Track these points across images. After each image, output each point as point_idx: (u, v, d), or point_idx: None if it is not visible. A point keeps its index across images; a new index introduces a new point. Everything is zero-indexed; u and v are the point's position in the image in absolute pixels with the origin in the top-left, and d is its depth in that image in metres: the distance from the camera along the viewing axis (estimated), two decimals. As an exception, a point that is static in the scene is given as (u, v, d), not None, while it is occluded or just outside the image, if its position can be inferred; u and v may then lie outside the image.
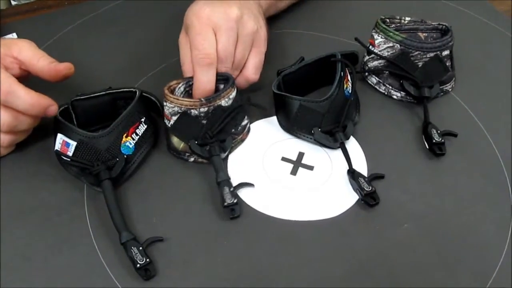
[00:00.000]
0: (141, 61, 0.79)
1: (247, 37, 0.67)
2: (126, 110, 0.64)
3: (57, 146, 0.63)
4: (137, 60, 0.80)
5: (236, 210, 0.61)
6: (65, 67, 0.65)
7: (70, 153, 0.62)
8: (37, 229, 0.60)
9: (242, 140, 0.69)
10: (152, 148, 0.67)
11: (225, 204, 0.61)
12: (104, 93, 0.66)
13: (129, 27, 0.85)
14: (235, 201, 0.61)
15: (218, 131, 0.65)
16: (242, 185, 0.64)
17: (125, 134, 0.63)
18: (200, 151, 0.64)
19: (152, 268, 0.56)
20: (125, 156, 0.63)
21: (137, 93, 0.66)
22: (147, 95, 0.68)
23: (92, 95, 0.66)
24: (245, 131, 0.69)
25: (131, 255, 0.56)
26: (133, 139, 0.64)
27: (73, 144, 0.61)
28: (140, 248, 0.57)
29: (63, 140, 0.62)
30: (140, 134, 0.65)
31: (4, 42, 0.64)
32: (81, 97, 0.66)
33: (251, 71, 0.69)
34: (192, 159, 0.66)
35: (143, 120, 0.65)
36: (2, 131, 0.62)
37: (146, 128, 0.66)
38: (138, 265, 0.55)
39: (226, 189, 0.62)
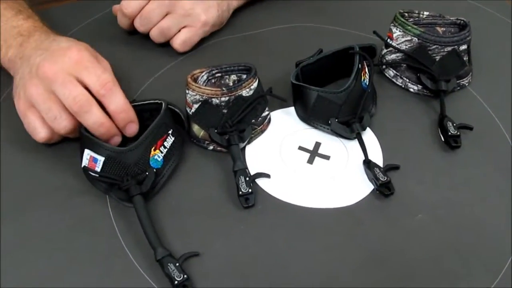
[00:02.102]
0: (149, 59, 0.80)
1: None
2: (153, 122, 0.63)
3: (85, 162, 0.62)
4: (145, 57, 0.80)
5: (250, 200, 0.62)
6: None
7: (98, 169, 0.61)
8: (59, 209, 0.62)
9: (262, 131, 0.70)
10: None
11: (240, 193, 0.62)
12: None
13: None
14: (250, 190, 0.62)
15: (238, 120, 0.66)
16: (258, 175, 0.65)
17: (153, 147, 0.62)
18: (219, 139, 0.65)
19: (190, 284, 0.56)
20: (154, 170, 0.62)
21: (163, 105, 0.65)
22: (171, 107, 0.67)
23: None
24: (266, 122, 0.70)
25: (168, 272, 0.55)
26: (162, 152, 0.63)
27: (101, 159, 0.61)
28: (177, 264, 0.56)
29: (91, 156, 0.61)
30: (168, 147, 0.64)
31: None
32: None
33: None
34: (211, 147, 0.67)
35: (170, 132, 0.65)
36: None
37: (174, 140, 0.65)
38: (176, 282, 0.55)
39: (242, 179, 0.63)
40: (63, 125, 0.62)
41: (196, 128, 0.67)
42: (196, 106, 0.65)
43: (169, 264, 0.56)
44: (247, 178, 0.63)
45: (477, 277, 0.58)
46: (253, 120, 0.68)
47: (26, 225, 0.61)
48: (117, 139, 0.65)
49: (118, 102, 0.63)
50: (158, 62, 0.79)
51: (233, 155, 0.65)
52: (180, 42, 0.78)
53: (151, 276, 0.57)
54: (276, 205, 0.63)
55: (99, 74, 0.63)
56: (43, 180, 0.65)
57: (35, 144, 0.66)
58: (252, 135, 0.68)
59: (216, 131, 0.66)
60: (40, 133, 0.64)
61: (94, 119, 0.62)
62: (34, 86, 0.62)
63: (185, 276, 0.55)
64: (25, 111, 0.64)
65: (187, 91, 0.65)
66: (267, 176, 0.65)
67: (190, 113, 0.66)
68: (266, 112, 0.69)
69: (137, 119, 0.65)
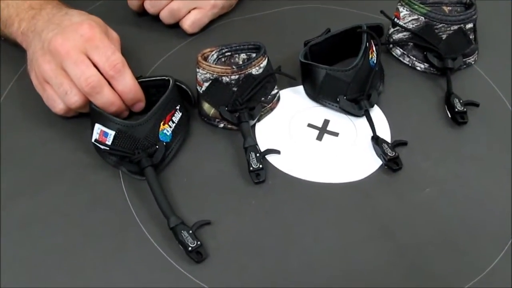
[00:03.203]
0: (157, 42, 0.81)
1: None
2: (162, 97, 0.64)
3: (95, 136, 0.63)
4: (155, 39, 0.81)
5: (261, 175, 0.63)
6: None
7: (108, 142, 0.62)
8: (74, 187, 0.63)
9: (272, 109, 0.70)
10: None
11: (251, 169, 0.63)
12: None
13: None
14: (260, 166, 0.63)
15: (248, 98, 0.67)
16: (268, 151, 0.66)
17: (162, 122, 0.64)
18: (230, 117, 0.66)
19: (203, 251, 0.57)
20: (164, 143, 0.64)
21: (171, 80, 0.66)
22: (179, 83, 0.68)
23: None
24: (275, 100, 0.71)
25: (181, 239, 0.57)
26: (170, 127, 0.65)
27: (112, 133, 0.62)
28: (190, 231, 0.57)
29: (101, 130, 0.62)
30: (176, 122, 0.65)
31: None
32: None
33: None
34: (221, 125, 0.68)
35: (178, 107, 0.66)
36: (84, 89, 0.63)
37: (181, 116, 0.66)
38: (190, 248, 0.56)
39: (253, 155, 0.64)
40: (73, 100, 0.64)
41: (206, 106, 0.68)
42: (206, 84, 0.66)
43: (182, 231, 0.57)
44: (258, 154, 0.64)
45: (483, 251, 0.59)
46: (262, 98, 0.68)
47: (42, 201, 0.62)
48: (125, 113, 0.67)
49: (126, 83, 0.64)
50: (167, 43, 0.80)
51: (243, 132, 0.66)
52: (189, 23, 0.79)
53: (164, 247, 0.58)
54: (286, 180, 0.64)
55: (109, 55, 0.64)
56: (56, 156, 0.66)
57: (47, 122, 0.68)
58: (262, 113, 0.69)
59: (226, 109, 0.66)
60: (60, 104, 0.65)
61: (105, 99, 0.63)
62: (46, 62, 0.64)
63: (199, 242, 0.57)
64: (42, 86, 0.65)
65: (197, 70, 0.66)
66: (277, 152, 0.66)
67: (201, 91, 0.67)
68: (275, 90, 0.70)
69: (144, 98, 0.67)
